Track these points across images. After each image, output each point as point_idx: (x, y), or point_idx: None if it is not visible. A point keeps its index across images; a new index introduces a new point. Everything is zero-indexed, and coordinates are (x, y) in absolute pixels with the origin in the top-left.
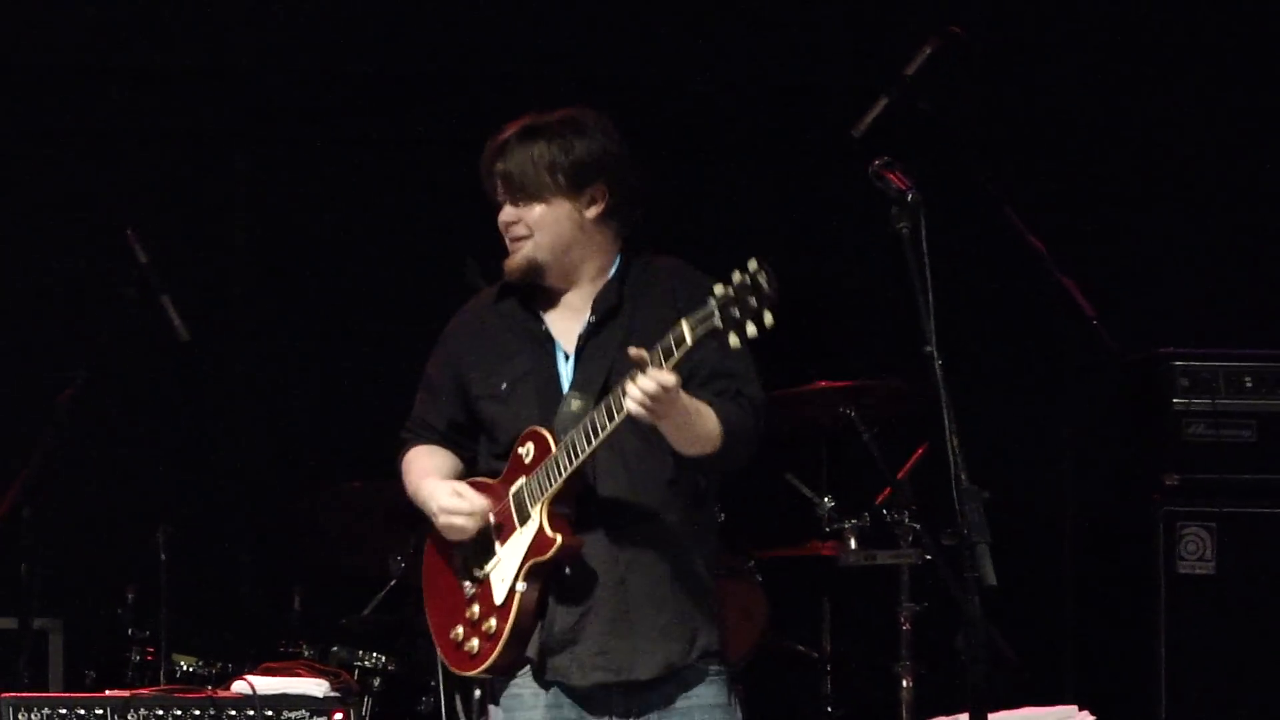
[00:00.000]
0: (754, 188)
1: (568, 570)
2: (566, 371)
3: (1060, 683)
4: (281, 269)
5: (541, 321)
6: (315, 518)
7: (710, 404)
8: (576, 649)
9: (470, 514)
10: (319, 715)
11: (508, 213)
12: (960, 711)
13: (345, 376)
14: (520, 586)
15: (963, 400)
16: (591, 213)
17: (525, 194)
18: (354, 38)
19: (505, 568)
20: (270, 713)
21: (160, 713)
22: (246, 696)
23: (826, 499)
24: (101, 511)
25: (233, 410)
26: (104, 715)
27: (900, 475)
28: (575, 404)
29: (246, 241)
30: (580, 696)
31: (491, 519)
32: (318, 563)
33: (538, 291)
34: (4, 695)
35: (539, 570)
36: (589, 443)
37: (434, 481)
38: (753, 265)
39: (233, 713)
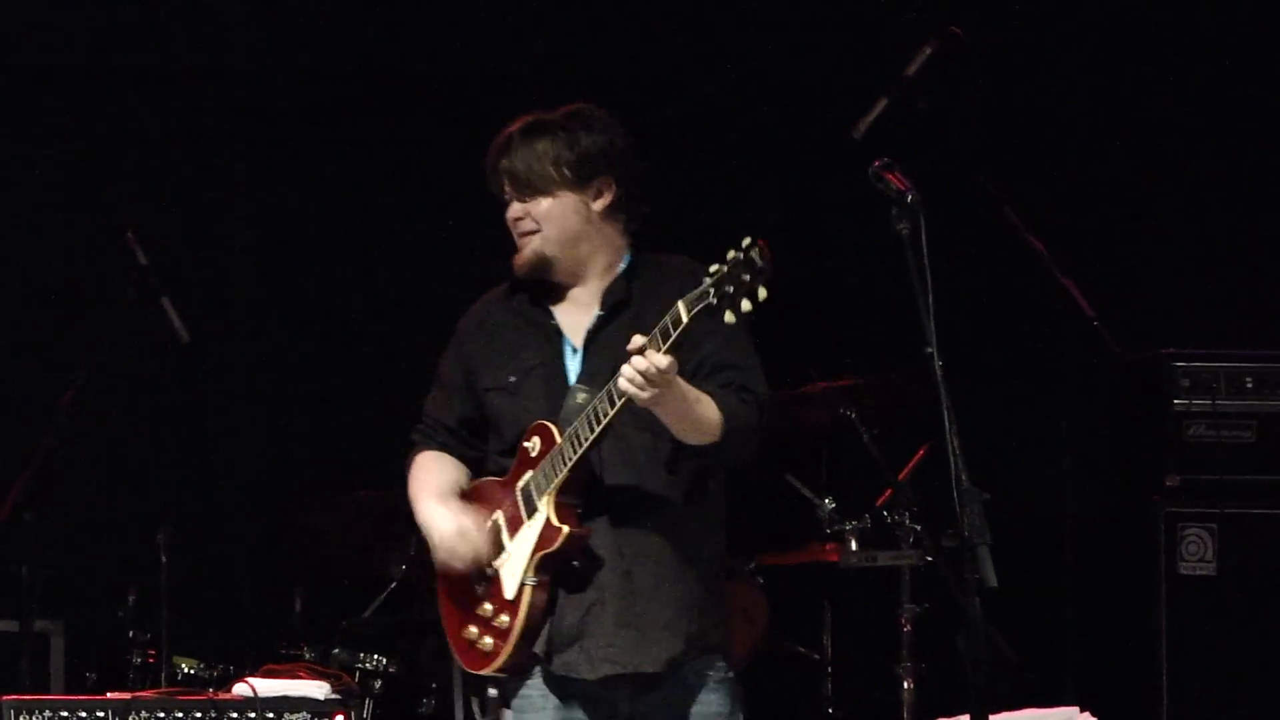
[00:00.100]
0: (754, 188)
1: (576, 564)
2: (574, 365)
3: (1061, 684)
4: (282, 270)
5: (551, 315)
6: (316, 520)
7: (712, 394)
8: (585, 642)
9: (463, 558)
10: (320, 717)
11: (515, 208)
12: (961, 713)
13: (346, 377)
14: (530, 580)
15: (963, 401)
16: (598, 205)
17: (531, 188)
18: (354, 38)
19: (515, 563)
20: (271, 715)
21: (161, 715)
22: (248, 699)
23: (827, 500)
24: (102, 513)
25: (233, 411)
26: (105, 717)
27: (901, 476)
28: (581, 396)
29: (246, 242)
30: (589, 694)
31: (501, 514)
32: (319, 565)
33: (547, 287)
34: (5, 697)
35: (548, 563)
36: (591, 430)
37: (432, 505)
38: (746, 242)
39: (234, 715)
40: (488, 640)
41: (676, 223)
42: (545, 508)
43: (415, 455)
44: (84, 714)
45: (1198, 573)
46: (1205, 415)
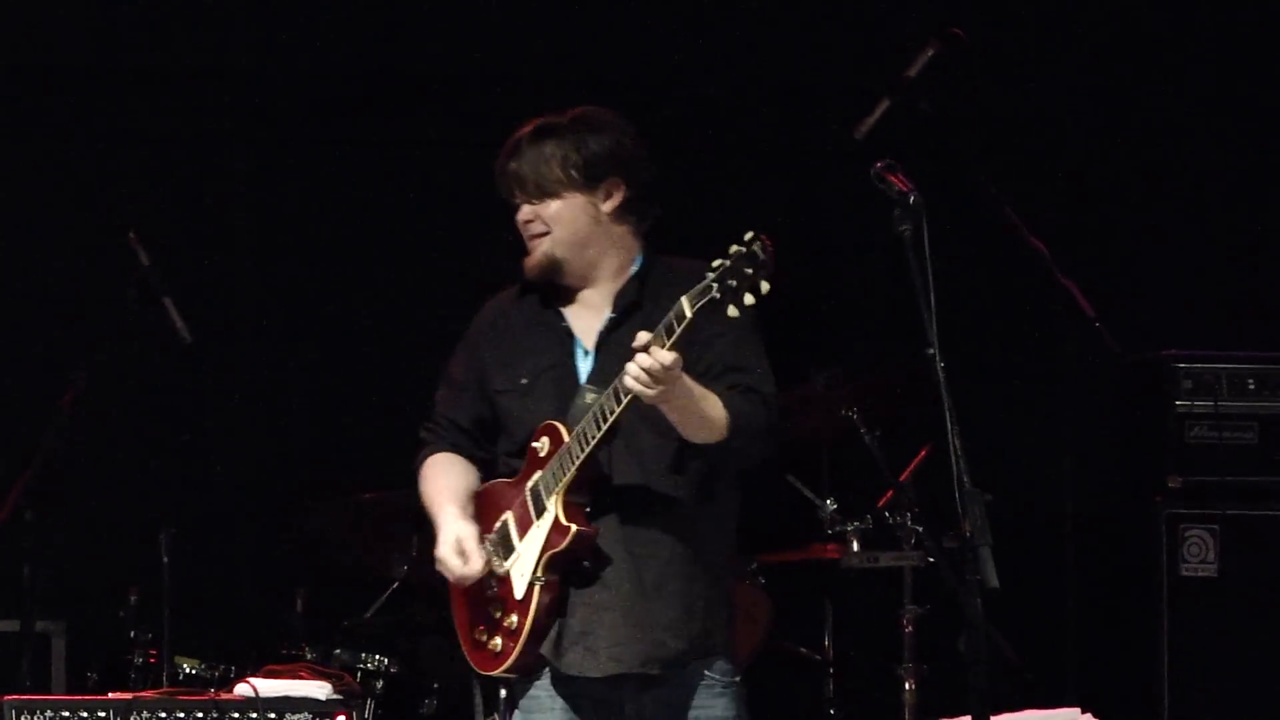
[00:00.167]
0: (756, 189)
1: (585, 563)
2: (585, 367)
3: (1062, 685)
4: (283, 270)
5: (562, 317)
6: (317, 520)
7: (719, 394)
8: (591, 640)
9: (460, 578)
10: (321, 717)
11: (525, 211)
12: (963, 714)
13: (347, 377)
14: (539, 580)
15: (965, 402)
16: (608, 207)
17: (539, 191)
18: (354, 38)
19: (524, 563)
20: (273, 715)
21: (163, 715)
22: (249, 699)
23: (829, 501)
24: (104, 514)
25: (235, 412)
26: (106, 718)
27: (902, 477)
28: (589, 396)
29: (248, 242)
30: (595, 694)
31: (511, 516)
32: (320, 565)
33: (558, 288)
34: (6, 697)
35: (556, 562)
36: (598, 429)
37: (450, 517)
38: (749, 236)
39: (235, 715)
40: (497, 641)
41: (677, 223)
42: (553, 507)
43: (427, 455)
44: (85, 714)
45: (1199, 574)
46: (1207, 416)
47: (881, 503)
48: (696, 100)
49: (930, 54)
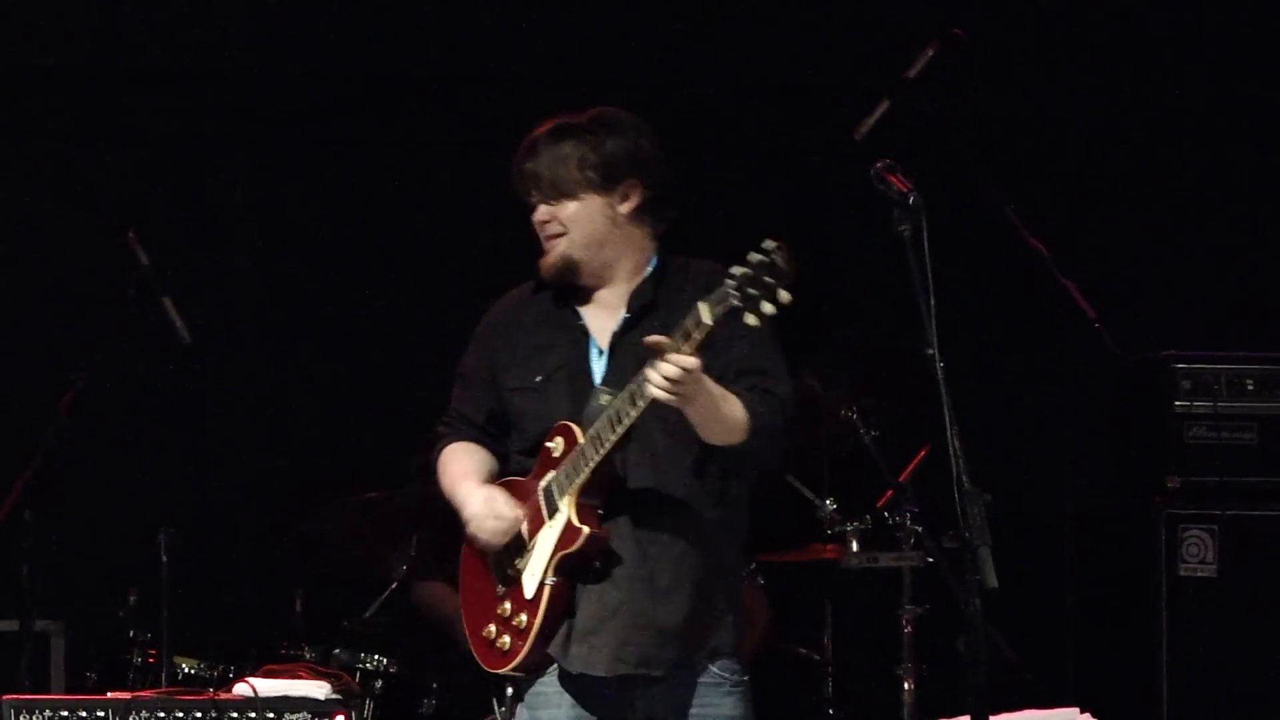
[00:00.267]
0: (755, 190)
1: (598, 564)
2: (599, 367)
3: (1062, 685)
4: (283, 270)
5: (578, 316)
6: (317, 520)
7: (738, 395)
8: (600, 639)
9: (498, 519)
10: (320, 717)
11: (541, 211)
12: (962, 714)
13: (347, 377)
14: (550, 580)
15: (964, 402)
16: (625, 208)
17: (557, 191)
18: (354, 38)
19: (535, 562)
20: (272, 715)
21: (162, 715)
22: (248, 699)
23: (828, 501)
24: (103, 514)
25: (234, 412)
26: (105, 717)
27: (902, 477)
28: (604, 398)
29: (247, 242)
30: (603, 692)
31: (523, 514)
32: (319, 565)
33: (574, 288)
34: (5, 697)
35: (567, 563)
36: (613, 432)
37: (469, 486)
38: (769, 245)
39: (234, 715)
40: (506, 639)
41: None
42: (566, 508)
43: (444, 447)
44: (84, 714)
45: (1198, 574)
46: (1206, 417)
47: (881, 503)
48: (696, 100)
49: (930, 54)
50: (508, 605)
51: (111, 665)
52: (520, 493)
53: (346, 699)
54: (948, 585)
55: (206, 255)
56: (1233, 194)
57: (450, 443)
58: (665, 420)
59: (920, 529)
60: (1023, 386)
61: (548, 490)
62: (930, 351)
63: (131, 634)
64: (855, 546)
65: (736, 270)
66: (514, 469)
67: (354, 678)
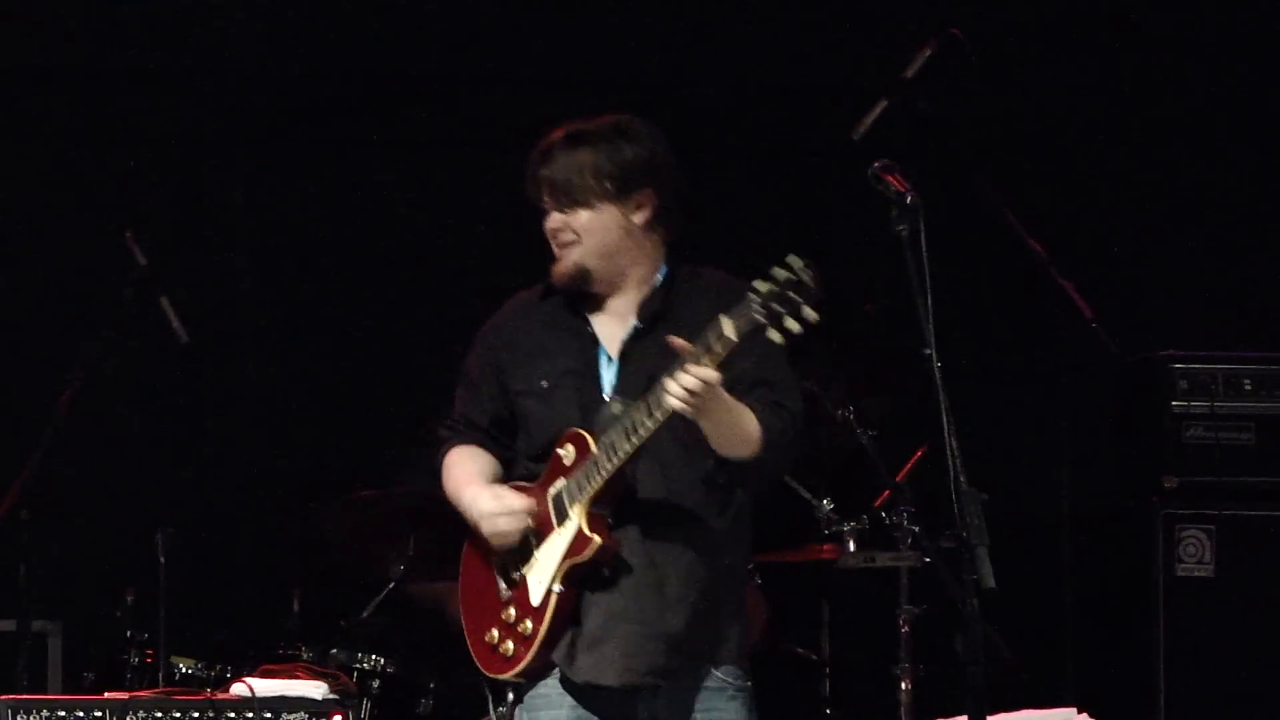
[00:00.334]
0: (753, 189)
1: (606, 572)
2: (609, 374)
3: (1059, 685)
4: (281, 270)
5: (587, 323)
6: (314, 520)
7: (752, 408)
8: (608, 648)
9: (511, 514)
10: (318, 717)
11: (555, 219)
12: (959, 714)
13: (344, 378)
14: (557, 588)
15: (961, 402)
16: (638, 218)
17: (571, 200)
18: (354, 38)
19: (542, 569)
20: (269, 715)
21: (159, 715)
22: (245, 699)
23: (825, 501)
24: (100, 514)
25: (232, 412)
26: (103, 717)
27: (899, 477)
28: (616, 407)
29: (244, 242)
30: (607, 698)
31: (530, 521)
32: (317, 565)
33: (583, 294)
34: (3, 697)
35: (576, 572)
36: (629, 443)
37: (475, 488)
38: (796, 262)
39: (231, 715)
40: (509, 645)
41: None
42: (577, 517)
43: (449, 451)
44: (81, 714)
45: (1196, 574)
46: (1204, 417)
47: (878, 503)
48: (696, 100)
49: (928, 54)
50: (512, 611)
51: (109, 665)
52: (528, 498)
53: (344, 699)
54: (945, 585)
55: (204, 255)
56: (1231, 194)
57: (454, 446)
58: (676, 430)
59: (917, 529)
60: (1020, 386)
61: (558, 497)
62: (927, 351)
63: (129, 634)
64: (853, 546)
65: (761, 285)
66: (520, 474)
67: (351, 678)
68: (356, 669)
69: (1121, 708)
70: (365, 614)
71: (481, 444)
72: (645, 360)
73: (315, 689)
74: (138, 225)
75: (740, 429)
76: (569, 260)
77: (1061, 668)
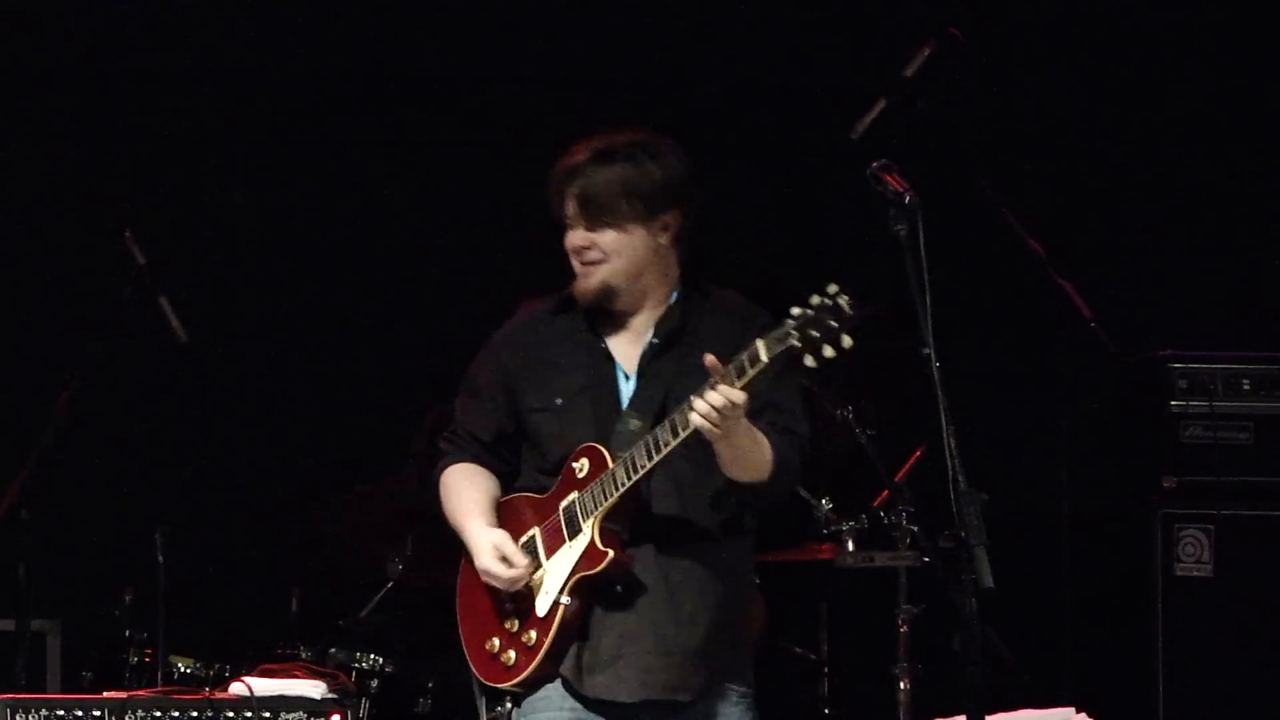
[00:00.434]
0: (752, 189)
1: (619, 588)
2: (627, 391)
3: (1058, 684)
4: (280, 270)
5: (601, 339)
6: (313, 519)
7: (766, 434)
8: (622, 666)
9: (513, 573)
10: (316, 717)
11: (581, 236)
12: (958, 713)
13: (344, 377)
14: (565, 600)
15: (960, 402)
16: (664, 239)
17: (601, 219)
18: (354, 38)
19: (550, 581)
20: (268, 714)
21: (158, 714)
22: (244, 698)
23: (824, 501)
24: (99, 513)
25: (231, 412)
26: (101, 716)
27: (898, 477)
28: (634, 423)
29: (246, 244)
30: (619, 713)
31: (538, 532)
32: (315, 564)
33: (598, 310)
34: (2, 696)
35: (585, 584)
36: (649, 459)
37: (477, 526)
38: (832, 289)
39: (230, 714)
40: (511, 654)
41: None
42: (590, 530)
43: (448, 466)
44: (80, 713)
45: (1194, 574)
46: (1202, 416)
47: (877, 502)
48: (696, 100)
49: (927, 54)
50: (516, 621)
51: (107, 664)
52: (538, 510)
53: (342, 698)
54: (944, 585)
55: (203, 255)
56: (1230, 194)
57: (453, 463)
58: (690, 450)
59: (916, 529)
60: (1019, 386)
61: (570, 510)
62: (926, 351)
63: (127, 633)
64: (851, 546)
65: (796, 311)
66: (527, 485)
67: (350, 677)
68: (355, 668)
69: (1120, 707)
70: (364, 613)
71: (481, 459)
72: (661, 378)
73: (314, 688)
74: (137, 225)
75: (754, 456)
76: (595, 279)
77: (1060, 667)
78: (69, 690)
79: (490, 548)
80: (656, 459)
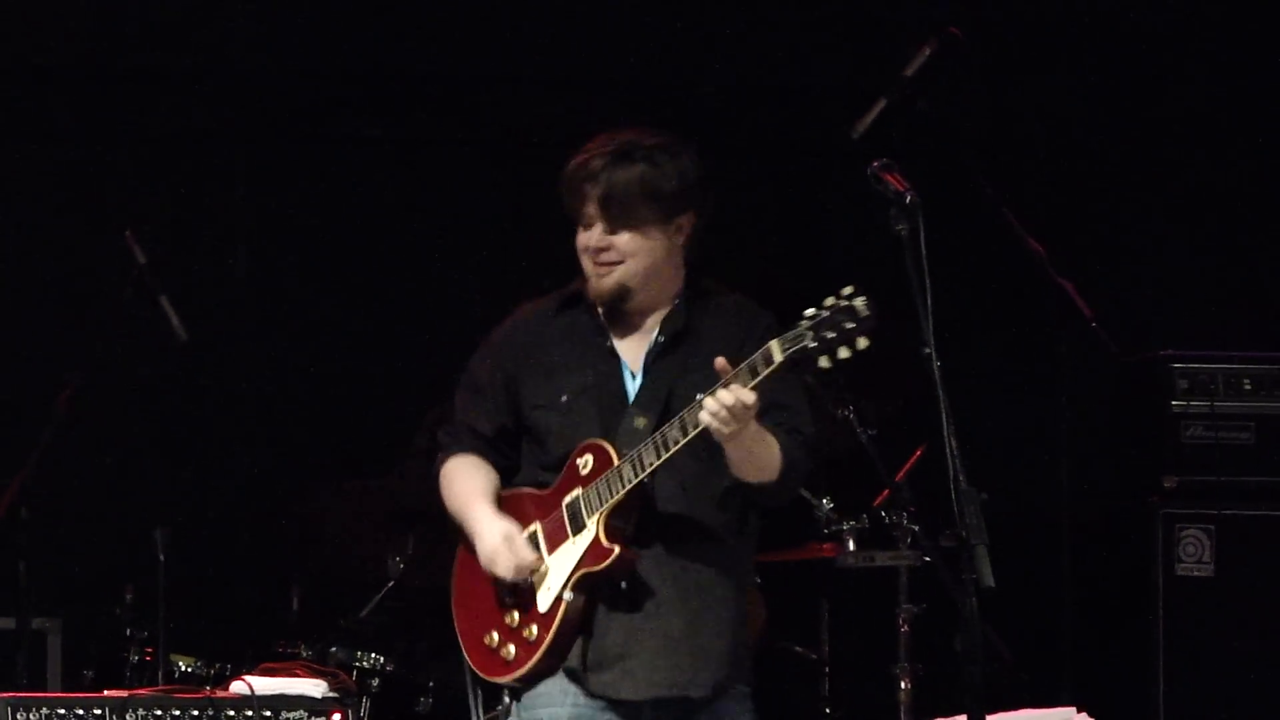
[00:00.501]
0: (752, 189)
1: (624, 585)
2: (633, 389)
3: (1058, 684)
4: (280, 270)
5: (608, 337)
6: (314, 518)
7: (774, 435)
8: (629, 663)
9: (521, 562)
10: (317, 715)
11: (598, 237)
12: (958, 713)
13: (343, 376)
14: (568, 596)
15: (961, 401)
16: (679, 240)
17: (621, 220)
18: (354, 38)
19: (553, 576)
20: (268, 713)
21: (159, 713)
22: (245, 697)
23: (825, 500)
24: (100, 511)
25: (231, 410)
26: (102, 715)
27: (899, 477)
28: (639, 421)
29: (246, 243)
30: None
31: (540, 527)
32: (316, 563)
33: (609, 310)
34: (2, 695)
35: (589, 580)
36: (657, 456)
37: (485, 512)
38: (848, 290)
39: (231, 713)
40: (511, 648)
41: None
42: (595, 527)
43: (448, 459)
44: (81, 712)
45: (1195, 574)
46: (1203, 416)
47: (877, 502)
48: (696, 100)
49: (927, 53)
50: (516, 615)
51: (108, 663)
52: (539, 505)
53: (343, 697)
54: (944, 584)
55: (203, 254)
56: (1230, 194)
57: (453, 455)
58: (695, 449)
59: (917, 528)
60: (1020, 386)
61: (574, 506)
62: (927, 350)
63: (128, 632)
64: (852, 545)
65: (810, 312)
66: (527, 481)
67: (351, 676)
68: (356, 667)
69: (1120, 707)
70: (364, 612)
71: (482, 453)
72: (666, 376)
73: (315, 687)
74: (137, 224)
75: (762, 456)
76: (611, 280)
77: (1060, 667)
78: (69, 689)
79: (499, 533)
80: (664, 456)
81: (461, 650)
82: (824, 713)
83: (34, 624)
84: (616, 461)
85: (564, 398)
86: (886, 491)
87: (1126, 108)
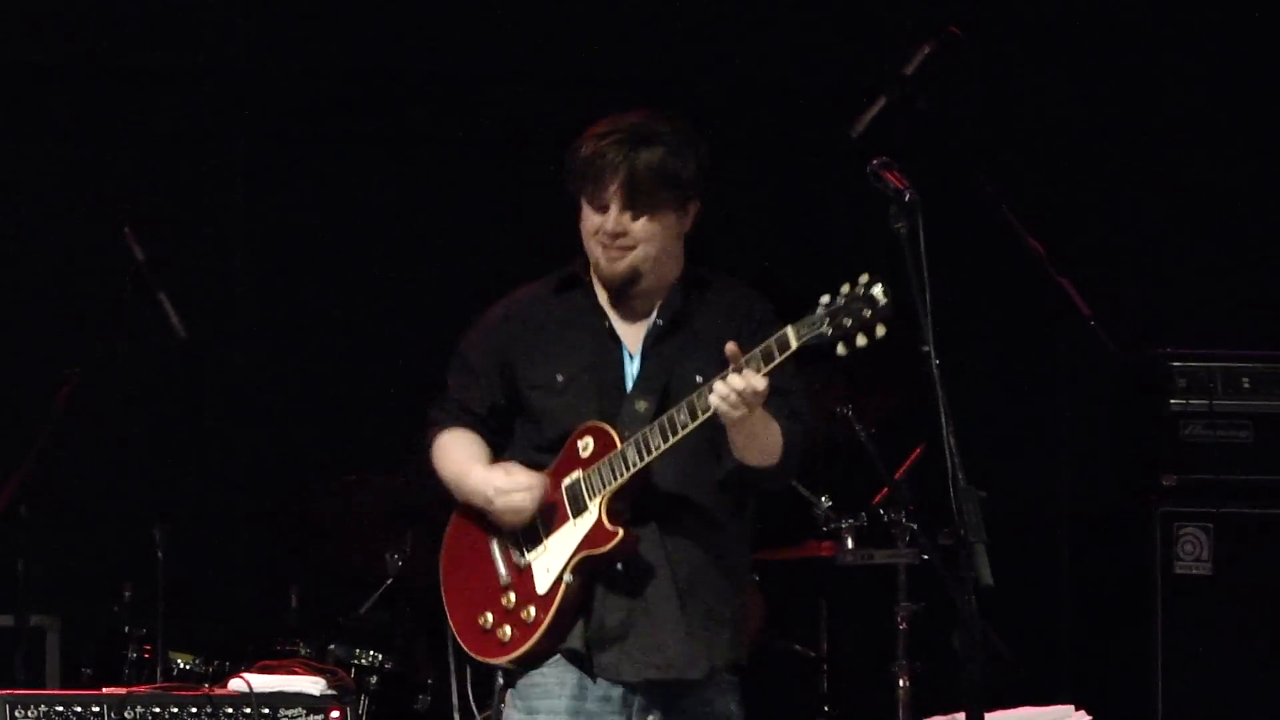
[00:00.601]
0: (752, 187)
1: (620, 566)
2: (631, 371)
3: (1057, 682)
4: (279, 267)
5: (607, 319)
6: (312, 515)
7: (777, 419)
8: (627, 644)
9: (528, 490)
10: (316, 713)
11: (614, 221)
12: (957, 711)
13: (342, 374)
14: (568, 578)
15: (960, 400)
16: (687, 225)
17: (640, 205)
18: (354, 38)
19: (552, 557)
20: (267, 710)
21: (157, 710)
22: (243, 694)
23: (824, 498)
24: (98, 509)
25: (230, 408)
26: (101, 713)
27: (898, 475)
28: (641, 404)
29: (245, 240)
30: (609, 692)
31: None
32: (315, 560)
33: (616, 293)
34: (1, 692)
35: (590, 563)
36: (664, 440)
37: (481, 468)
38: (864, 278)
39: (229, 710)
40: (507, 629)
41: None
42: (597, 509)
43: (441, 433)
44: (79, 709)
45: (1194, 572)
46: (1202, 415)
47: (876, 500)
48: (696, 99)
49: (927, 52)
50: (513, 596)
51: (107, 660)
52: None
53: (342, 695)
54: (943, 582)
55: (202, 251)
56: (1230, 193)
57: (446, 429)
58: (698, 432)
59: (915, 526)
60: (1019, 384)
61: (574, 488)
62: (926, 349)
63: (127, 629)
64: (851, 543)
65: (826, 299)
66: (519, 460)
67: (349, 673)
68: (355, 665)
69: (1119, 705)
70: (363, 610)
71: (474, 429)
72: (664, 359)
73: (313, 685)
74: (136, 221)
75: (766, 440)
76: (624, 264)
77: (1059, 665)
78: (68, 686)
79: (502, 473)
80: (672, 440)
81: (450, 631)
82: (823, 711)
83: (32, 621)
84: (620, 445)
85: (560, 377)
86: (885, 490)
87: (1126, 107)
